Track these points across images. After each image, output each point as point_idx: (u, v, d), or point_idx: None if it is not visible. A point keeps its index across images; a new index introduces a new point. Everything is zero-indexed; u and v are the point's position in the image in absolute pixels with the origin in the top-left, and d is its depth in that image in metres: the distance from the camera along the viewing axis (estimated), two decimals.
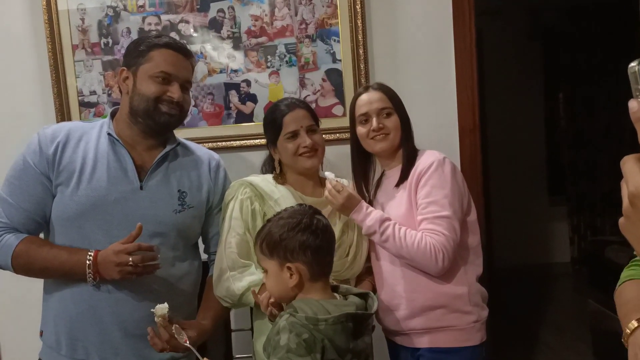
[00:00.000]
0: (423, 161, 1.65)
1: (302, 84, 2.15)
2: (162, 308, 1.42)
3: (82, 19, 2.19)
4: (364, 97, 1.72)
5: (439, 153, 1.67)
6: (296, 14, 2.15)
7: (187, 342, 1.45)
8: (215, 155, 1.80)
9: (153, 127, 1.60)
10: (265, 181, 1.72)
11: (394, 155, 1.73)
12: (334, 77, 2.14)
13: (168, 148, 1.65)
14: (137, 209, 1.56)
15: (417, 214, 1.61)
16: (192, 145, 1.78)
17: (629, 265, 1.39)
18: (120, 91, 1.65)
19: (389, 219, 1.63)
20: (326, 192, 1.63)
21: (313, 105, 2.16)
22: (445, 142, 2.13)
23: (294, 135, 1.68)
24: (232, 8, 2.16)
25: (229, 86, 2.18)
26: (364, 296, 1.35)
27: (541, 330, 3.94)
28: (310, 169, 1.71)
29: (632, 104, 0.80)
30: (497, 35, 4.82)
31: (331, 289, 1.37)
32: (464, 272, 1.65)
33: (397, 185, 1.69)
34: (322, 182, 1.77)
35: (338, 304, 1.28)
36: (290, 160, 1.70)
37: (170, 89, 1.58)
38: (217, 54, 2.18)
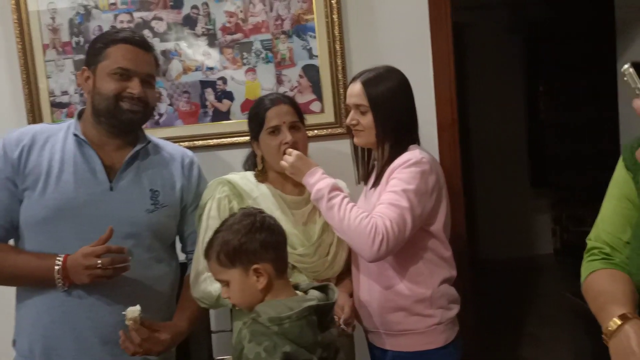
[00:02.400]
0: (400, 158, 1.58)
1: (279, 81, 2.12)
2: (133, 311, 1.39)
3: (53, 18, 2.14)
4: (349, 88, 1.68)
5: (420, 152, 1.59)
6: (271, 10, 2.12)
7: None
8: (189, 152, 1.76)
9: (117, 125, 1.57)
10: (245, 179, 1.69)
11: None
12: (311, 73, 2.11)
13: (138, 147, 1.61)
14: (109, 211, 1.53)
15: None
16: (164, 143, 1.75)
17: (587, 257, 1.39)
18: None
19: (341, 190, 1.58)
20: (282, 162, 1.61)
21: None
22: (424, 137, 2.10)
23: (275, 130, 1.65)
24: (206, 4, 2.12)
25: (204, 84, 2.14)
26: (324, 289, 1.35)
27: (526, 321, 3.96)
28: (277, 180, 1.70)
29: (637, 103, 0.79)
30: (478, 29, 4.82)
31: (293, 287, 1.35)
32: (429, 276, 1.61)
33: (373, 186, 1.65)
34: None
35: (299, 300, 1.27)
36: (270, 157, 1.67)
37: (130, 84, 1.53)
38: (192, 52, 2.14)
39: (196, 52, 2.14)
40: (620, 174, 1.33)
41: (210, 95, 2.15)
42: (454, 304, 1.66)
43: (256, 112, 1.68)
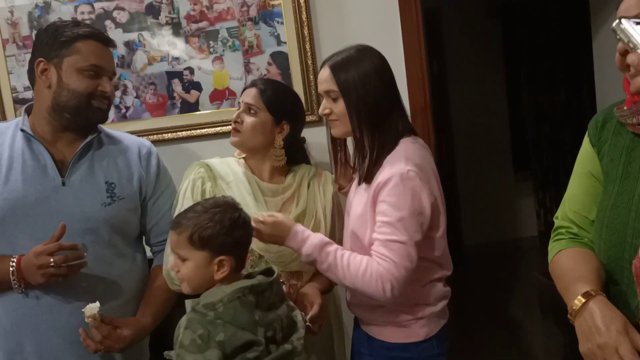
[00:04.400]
0: (384, 172, 1.44)
1: (248, 69, 2.07)
2: (91, 308, 1.36)
3: (11, 12, 2.07)
4: (319, 75, 1.57)
5: (405, 163, 1.43)
6: None
7: None
8: (146, 142, 1.72)
9: (83, 123, 1.52)
10: (224, 163, 1.69)
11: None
12: (280, 60, 2.06)
13: (89, 138, 1.55)
14: (62, 207, 1.48)
15: (373, 230, 1.46)
16: (118, 133, 1.69)
17: (554, 237, 1.36)
18: (33, 84, 1.54)
19: (330, 244, 1.47)
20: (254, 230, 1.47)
21: None
22: None
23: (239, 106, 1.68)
24: None
25: (171, 75, 2.09)
26: (269, 272, 1.37)
27: (510, 306, 3.96)
28: (235, 146, 1.68)
29: (632, 58, 0.76)
30: (455, 13, 4.78)
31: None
32: (415, 279, 1.49)
33: (360, 183, 1.55)
34: (283, 169, 1.72)
35: (236, 284, 1.28)
36: None
37: (102, 82, 1.51)
38: (156, 42, 2.08)
39: (161, 42, 2.08)
40: (585, 150, 1.31)
41: (177, 86, 2.09)
42: (440, 300, 1.58)
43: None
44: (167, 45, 2.08)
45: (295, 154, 1.75)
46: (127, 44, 2.08)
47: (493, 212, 5.14)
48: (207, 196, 1.58)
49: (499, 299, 4.10)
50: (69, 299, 1.48)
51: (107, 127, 1.71)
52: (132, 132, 2.04)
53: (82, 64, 1.48)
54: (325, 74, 1.52)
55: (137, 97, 2.09)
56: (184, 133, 2.09)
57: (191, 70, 2.09)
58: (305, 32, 2.04)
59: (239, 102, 1.71)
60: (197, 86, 2.09)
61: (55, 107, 1.50)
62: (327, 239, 1.49)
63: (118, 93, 2.08)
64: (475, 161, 5.04)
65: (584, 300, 1.13)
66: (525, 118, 5.04)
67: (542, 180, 5.12)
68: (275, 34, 2.06)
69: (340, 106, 1.50)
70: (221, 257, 1.29)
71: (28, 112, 1.56)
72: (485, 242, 5.07)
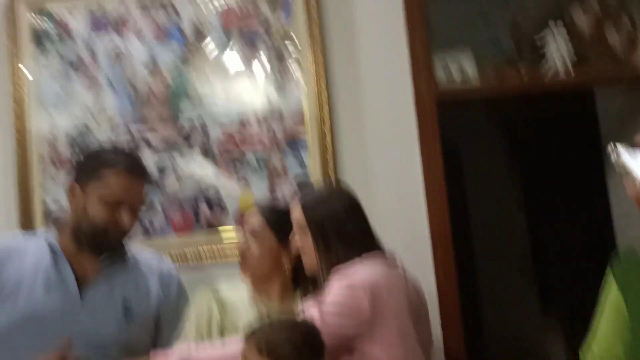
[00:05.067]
0: (340, 271, 1.48)
1: (272, 192, 2.13)
2: None
3: (52, 133, 2.18)
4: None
5: (361, 271, 1.47)
6: (266, 128, 2.17)
7: None
8: (168, 266, 1.74)
9: (98, 247, 1.56)
10: (234, 288, 1.69)
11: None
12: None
13: (113, 258, 1.58)
14: (76, 323, 1.49)
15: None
16: (143, 254, 1.72)
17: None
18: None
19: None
20: None
21: None
22: (417, 254, 2.09)
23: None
24: (201, 117, 2.18)
25: (198, 195, 2.15)
26: None
27: None
28: (243, 275, 1.67)
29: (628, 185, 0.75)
30: (474, 145, 4.91)
31: None
32: None
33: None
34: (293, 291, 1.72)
35: None
36: None
37: (122, 215, 1.52)
38: (186, 163, 2.17)
39: (190, 164, 2.17)
40: (612, 292, 1.30)
41: (203, 206, 2.14)
42: None
43: None
44: (196, 167, 2.16)
45: (298, 275, 1.73)
46: (158, 165, 2.17)
47: (519, 350, 4.92)
48: (214, 321, 1.58)
49: None
50: None
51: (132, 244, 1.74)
52: (156, 249, 2.09)
53: (104, 194, 1.51)
54: (296, 211, 1.60)
55: (164, 215, 2.14)
56: (207, 251, 2.10)
57: (217, 191, 2.15)
58: (328, 157, 2.12)
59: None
60: (223, 207, 2.13)
61: (76, 229, 1.55)
62: (187, 345, 1.45)
63: (144, 208, 2.13)
64: (500, 294, 4.93)
65: None
66: (547, 254, 4.99)
67: (571, 317, 4.95)
68: (300, 159, 2.14)
69: (310, 241, 1.55)
70: None
71: (57, 227, 1.61)
72: None
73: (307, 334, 1.32)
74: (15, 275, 1.51)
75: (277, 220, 1.68)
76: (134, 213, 1.57)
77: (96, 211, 1.51)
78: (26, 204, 2.12)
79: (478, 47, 2.36)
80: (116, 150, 1.62)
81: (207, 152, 2.17)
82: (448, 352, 2.06)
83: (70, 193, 1.56)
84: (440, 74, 2.27)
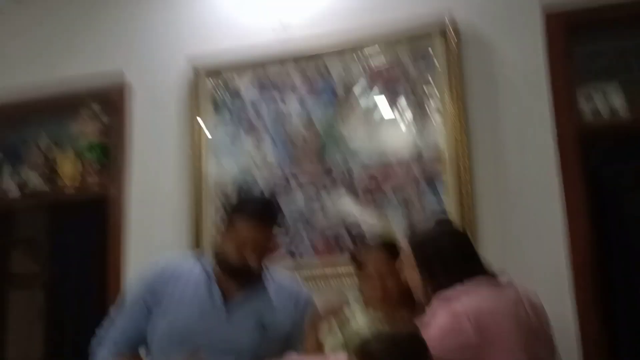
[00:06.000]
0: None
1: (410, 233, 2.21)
2: None
3: (225, 184, 2.53)
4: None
5: (447, 311, 1.49)
6: (405, 165, 2.30)
7: None
8: (305, 293, 1.91)
9: (236, 278, 1.78)
10: (357, 314, 1.80)
11: None
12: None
13: (253, 283, 1.79)
14: (221, 335, 1.71)
15: None
16: (282, 278, 1.90)
17: None
18: None
19: None
20: None
21: None
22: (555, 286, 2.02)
23: (369, 276, 1.82)
24: (345, 159, 2.38)
25: (341, 227, 2.33)
26: None
27: None
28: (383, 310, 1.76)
29: None
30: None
31: None
32: None
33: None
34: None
35: None
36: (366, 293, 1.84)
37: (250, 255, 1.73)
38: (331, 200, 2.36)
39: (335, 200, 2.36)
40: None
41: (345, 237, 2.31)
42: None
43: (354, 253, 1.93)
44: (340, 203, 2.36)
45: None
46: (306, 201, 2.39)
47: None
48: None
49: None
50: None
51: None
52: (299, 271, 2.28)
53: (235, 237, 1.74)
54: (404, 246, 1.71)
55: (310, 245, 2.35)
56: (347, 279, 2.22)
57: (359, 225, 2.30)
58: (466, 205, 2.18)
59: (370, 273, 1.80)
60: (364, 239, 2.27)
61: (219, 261, 1.79)
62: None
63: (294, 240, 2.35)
64: None
65: None
66: None
67: None
68: (438, 200, 2.24)
69: (417, 275, 1.63)
70: None
71: (215, 255, 1.84)
72: None
73: (408, 346, 1.34)
74: (178, 291, 1.78)
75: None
76: (265, 253, 1.77)
77: (229, 248, 1.74)
78: (197, 235, 2.49)
79: (627, 81, 2.26)
80: (251, 200, 1.86)
81: (350, 189, 2.36)
82: None
83: (217, 231, 1.85)
84: (584, 107, 2.21)
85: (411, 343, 1.36)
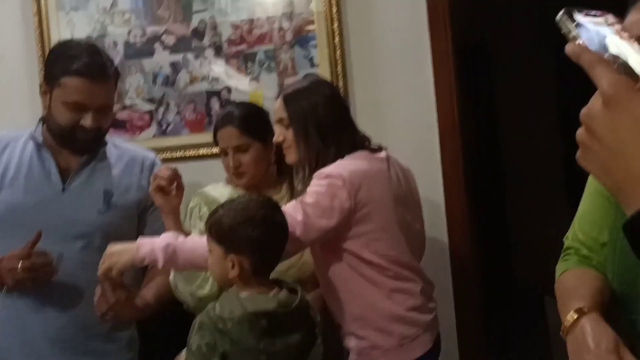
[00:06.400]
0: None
1: (282, 90, 2.16)
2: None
3: (72, 35, 2.26)
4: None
5: (334, 167, 1.50)
6: (275, 22, 2.18)
7: None
8: (151, 154, 1.80)
9: (71, 149, 1.61)
10: (219, 188, 1.78)
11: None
12: None
13: (94, 151, 1.65)
14: (58, 213, 1.57)
15: None
16: (126, 145, 1.79)
17: (562, 257, 1.33)
18: None
19: (180, 235, 1.48)
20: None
21: None
22: (425, 145, 2.12)
23: (224, 152, 1.73)
24: (213, 18, 2.21)
25: (210, 94, 2.22)
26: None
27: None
28: (243, 187, 1.73)
29: (567, 47, 0.76)
30: (505, 44, 4.72)
31: (275, 282, 1.36)
32: (359, 294, 1.52)
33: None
34: (275, 181, 1.80)
35: (258, 301, 1.27)
36: (226, 172, 1.76)
37: (84, 116, 1.54)
38: (199, 63, 2.23)
39: (203, 63, 2.22)
40: None
41: (215, 104, 2.22)
42: (402, 327, 1.54)
43: (213, 129, 1.78)
44: (208, 66, 2.22)
45: (282, 163, 1.78)
46: (172, 65, 2.23)
47: (548, 251, 4.94)
48: (204, 219, 1.62)
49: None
50: (56, 301, 1.55)
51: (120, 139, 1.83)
52: (171, 147, 2.20)
53: (65, 99, 1.53)
54: (278, 103, 1.63)
55: (178, 113, 2.24)
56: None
57: (229, 89, 2.21)
58: (337, 55, 2.13)
59: (222, 149, 1.74)
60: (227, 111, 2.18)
61: (48, 128, 1.61)
62: (175, 233, 1.49)
63: (161, 109, 2.23)
64: (527, 196, 4.91)
65: (575, 317, 1.10)
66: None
67: None
68: (309, 56, 2.16)
69: (291, 134, 1.58)
70: (231, 256, 1.29)
71: (43, 121, 1.65)
72: (539, 280, 4.87)
73: (258, 207, 1.31)
74: (2, 165, 1.59)
75: (252, 126, 1.72)
76: (100, 115, 1.57)
77: (60, 115, 1.54)
78: None
79: None
80: (75, 56, 1.54)
81: (218, 51, 2.21)
82: (453, 249, 2.12)
83: (41, 92, 1.60)
84: None
85: (262, 204, 1.33)
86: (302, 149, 1.56)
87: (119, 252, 1.44)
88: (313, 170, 1.55)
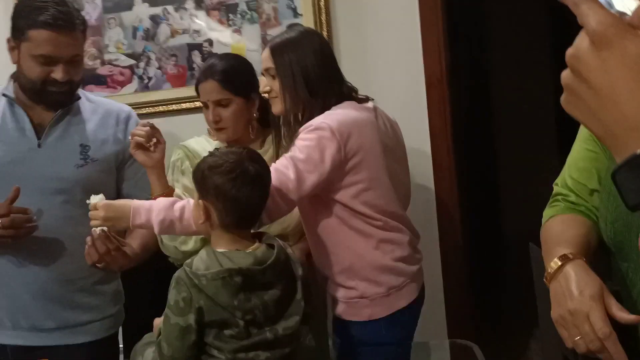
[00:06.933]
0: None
1: (265, 41, 2.11)
2: (95, 198, 1.42)
3: None
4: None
5: (323, 118, 1.47)
6: None
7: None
8: (126, 107, 1.77)
9: (43, 104, 1.58)
10: (201, 141, 1.75)
11: None
12: None
13: (67, 105, 1.61)
14: (36, 168, 1.55)
15: None
16: (100, 99, 1.75)
17: (550, 203, 1.32)
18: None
19: (178, 200, 1.45)
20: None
21: None
22: (412, 95, 2.08)
23: (205, 106, 1.68)
24: None
25: (191, 47, 2.16)
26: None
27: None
28: (223, 141, 1.70)
29: None
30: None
31: (256, 235, 1.35)
32: (346, 246, 1.53)
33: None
34: (259, 137, 1.76)
35: (234, 257, 1.26)
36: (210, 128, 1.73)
37: (55, 70, 1.51)
38: (179, 15, 2.16)
39: (183, 15, 2.15)
40: None
41: (197, 57, 2.16)
42: (389, 277, 1.55)
43: (195, 82, 1.73)
44: (189, 18, 2.15)
45: (266, 119, 1.75)
46: (153, 18, 2.16)
47: (537, 200, 4.97)
48: (188, 174, 1.62)
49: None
50: (38, 256, 1.55)
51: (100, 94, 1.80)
52: (153, 102, 2.16)
53: (34, 52, 1.49)
54: (266, 53, 1.58)
55: (159, 68, 2.18)
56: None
57: (210, 42, 2.15)
58: (322, 3, 2.06)
59: (203, 102, 1.69)
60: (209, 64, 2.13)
61: (20, 84, 1.58)
62: (172, 198, 1.47)
63: (142, 64, 2.17)
64: (518, 146, 4.91)
65: (560, 264, 1.09)
66: None
67: None
68: (292, 6, 2.09)
69: (277, 84, 1.56)
70: (202, 202, 1.29)
71: (14, 78, 1.62)
72: (530, 234, 4.89)
73: (230, 158, 1.28)
74: None
75: (234, 81, 1.67)
76: (71, 66, 1.53)
77: (30, 69, 1.51)
78: None
79: None
80: (40, 7, 1.49)
81: (199, 2, 2.14)
82: (440, 199, 2.11)
83: (9, 48, 1.56)
84: None
85: (239, 155, 1.31)
86: (289, 100, 1.54)
87: (114, 218, 1.43)
88: (299, 121, 1.53)
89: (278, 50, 1.56)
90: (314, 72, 1.53)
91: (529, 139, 4.93)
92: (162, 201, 1.44)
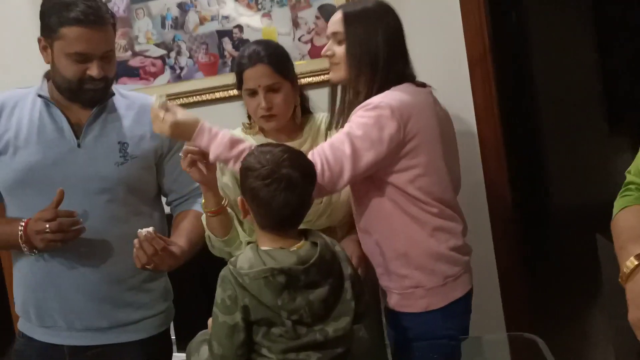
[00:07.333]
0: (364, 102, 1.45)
1: (296, 24, 2.04)
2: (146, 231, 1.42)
3: None
4: (332, 17, 1.55)
5: (382, 97, 1.42)
6: None
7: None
8: None
9: (80, 102, 1.54)
10: (237, 132, 1.67)
11: None
12: (328, 13, 1.99)
13: (103, 102, 1.57)
14: (77, 169, 1.52)
15: None
16: (133, 94, 1.70)
17: (622, 192, 1.22)
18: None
19: (241, 142, 1.41)
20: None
21: (308, 46, 2.04)
22: (454, 74, 1.98)
23: (253, 93, 1.58)
24: None
25: (221, 34, 2.10)
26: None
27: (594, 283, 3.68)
28: (270, 131, 1.63)
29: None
30: None
31: (302, 232, 1.29)
32: (402, 232, 1.46)
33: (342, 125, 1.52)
34: (299, 125, 1.68)
35: (277, 255, 1.21)
36: (252, 116, 1.64)
37: (90, 67, 1.48)
38: (207, 2, 2.09)
39: (211, 1, 2.09)
40: None
41: (227, 44, 2.10)
42: (445, 266, 1.48)
43: (237, 69, 1.61)
44: (217, 4, 2.09)
45: (304, 105, 1.69)
46: (180, 6, 2.11)
47: (584, 171, 4.79)
48: (227, 173, 1.60)
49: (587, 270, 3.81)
50: (87, 258, 1.53)
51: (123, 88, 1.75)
52: (187, 92, 2.11)
53: (68, 50, 1.46)
54: (337, 17, 1.51)
55: (190, 57, 2.13)
56: (235, 91, 2.09)
57: (240, 28, 2.09)
58: None
59: (251, 89, 1.58)
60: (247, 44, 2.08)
61: (55, 85, 1.54)
62: (236, 137, 1.43)
63: (172, 54, 2.13)
64: (563, 116, 4.72)
65: (636, 263, 1.01)
66: (618, 67, 4.62)
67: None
68: None
69: (342, 50, 1.50)
70: (240, 198, 1.28)
71: (48, 77, 1.59)
72: (575, 206, 4.74)
73: (269, 159, 1.23)
74: (10, 126, 1.54)
75: (282, 64, 1.59)
76: (105, 62, 1.50)
77: (65, 67, 1.48)
78: None
79: None
80: (69, 5, 1.45)
81: None
82: (489, 185, 2.02)
83: (41, 48, 1.52)
84: None
85: (290, 157, 1.25)
86: (352, 72, 1.48)
87: (183, 126, 1.41)
88: (357, 97, 1.48)
89: (351, 17, 1.49)
90: (383, 49, 1.46)
91: (577, 114, 4.76)
92: (225, 136, 1.40)
